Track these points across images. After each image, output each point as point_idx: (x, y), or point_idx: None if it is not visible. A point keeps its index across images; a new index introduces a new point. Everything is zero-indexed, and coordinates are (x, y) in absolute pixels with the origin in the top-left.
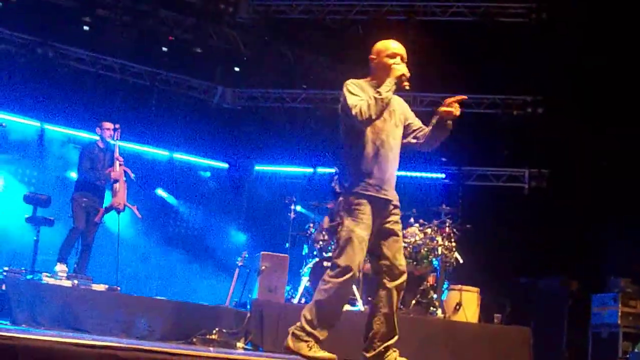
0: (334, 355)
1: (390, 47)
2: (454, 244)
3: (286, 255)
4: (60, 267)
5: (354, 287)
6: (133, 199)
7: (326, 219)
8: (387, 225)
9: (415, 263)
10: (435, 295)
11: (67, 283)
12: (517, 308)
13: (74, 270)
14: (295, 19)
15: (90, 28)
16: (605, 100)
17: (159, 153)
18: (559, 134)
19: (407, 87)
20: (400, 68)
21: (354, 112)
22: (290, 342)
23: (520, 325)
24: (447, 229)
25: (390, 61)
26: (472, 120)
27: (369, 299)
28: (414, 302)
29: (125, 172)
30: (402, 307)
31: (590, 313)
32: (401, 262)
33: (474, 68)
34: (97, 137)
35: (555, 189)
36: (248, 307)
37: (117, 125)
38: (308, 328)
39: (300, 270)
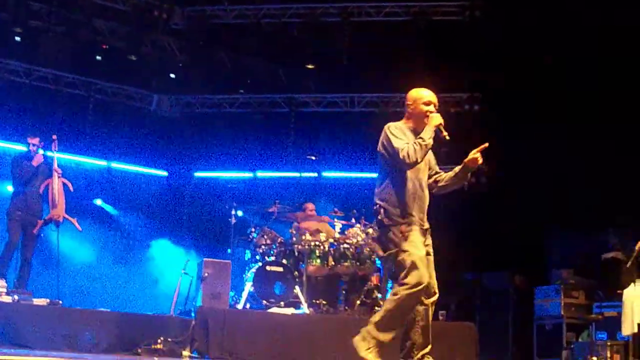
0: None
1: (425, 96)
2: None
3: (228, 261)
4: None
5: (299, 290)
6: (72, 210)
7: (378, 247)
8: (427, 248)
9: (358, 263)
10: (379, 295)
11: (7, 299)
12: (463, 304)
13: (14, 285)
14: (230, 24)
15: (22, 39)
16: (544, 97)
17: (97, 163)
18: (498, 130)
19: (447, 137)
20: (438, 117)
21: (401, 155)
22: (357, 337)
23: (466, 320)
24: None
25: (426, 108)
26: None
27: (314, 301)
28: (358, 302)
29: (64, 184)
30: (346, 308)
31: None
32: (435, 281)
33: (409, 67)
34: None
35: (498, 185)
36: (192, 314)
37: (54, 137)
38: (374, 331)
39: (244, 276)
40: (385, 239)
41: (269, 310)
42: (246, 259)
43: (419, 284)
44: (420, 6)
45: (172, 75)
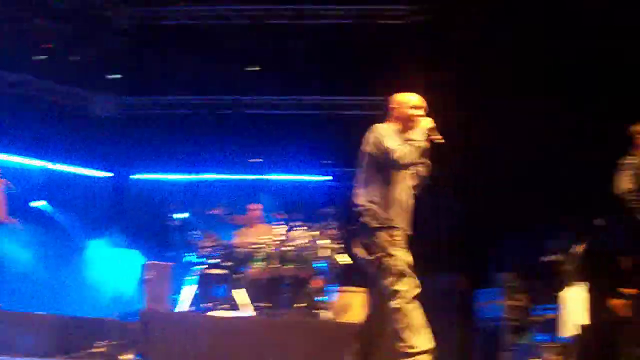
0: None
1: (411, 100)
2: (339, 245)
3: (170, 263)
4: None
5: (245, 293)
6: (12, 212)
7: (361, 251)
8: None
9: (300, 266)
10: (322, 298)
11: None
12: None
13: None
14: (175, 25)
15: None
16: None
17: (38, 164)
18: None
19: (442, 141)
20: (428, 120)
21: (395, 156)
22: None
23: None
24: (332, 231)
25: (411, 112)
26: (356, 122)
27: (257, 304)
28: (301, 305)
29: (6, 185)
30: (289, 310)
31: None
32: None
33: (356, 69)
34: None
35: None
36: (135, 317)
37: None
38: (412, 351)
39: (186, 279)
40: (370, 243)
41: (212, 313)
42: (189, 261)
43: (411, 290)
44: (366, 10)
45: (116, 76)
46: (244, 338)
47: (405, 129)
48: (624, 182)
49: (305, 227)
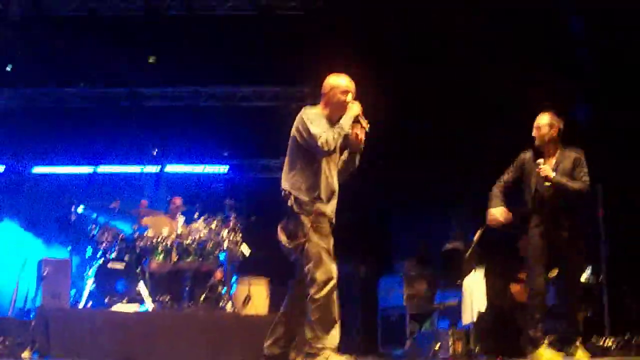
0: (352, 357)
1: (343, 85)
2: (239, 237)
3: (68, 259)
4: None
5: (142, 287)
6: None
7: (283, 236)
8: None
9: (201, 259)
10: (224, 290)
11: None
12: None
13: None
14: (70, 15)
15: None
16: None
17: None
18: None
19: (367, 127)
20: (357, 107)
21: (319, 143)
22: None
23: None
24: (232, 223)
25: (344, 98)
26: (254, 113)
27: (158, 298)
28: (202, 298)
29: None
30: (191, 303)
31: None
32: None
33: (256, 60)
34: None
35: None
36: (32, 315)
37: None
38: (319, 345)
39: (85, 274)
40: (293, 228)
41: (112, 308)
42: (87, 256)
43: (329, 279)
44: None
45: (9, 68)
46: (144, 332)
47: (336, 114)
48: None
49: (204, 219)
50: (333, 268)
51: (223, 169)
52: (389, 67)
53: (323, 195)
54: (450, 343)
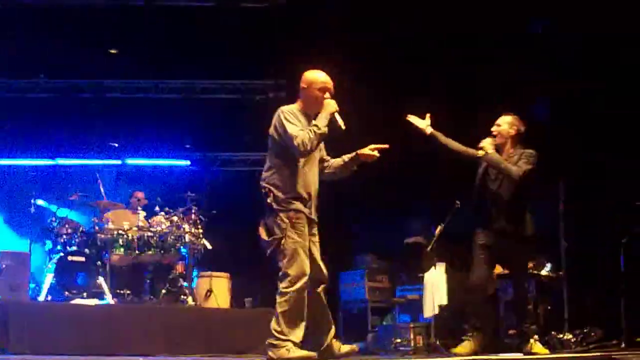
0: (313, 353)
1: (320, 80)
2: (201, 230)
3: (27, 252)
4: None
5: (103, 281)
6: None
7: (262, 231)
8: (312, 239)
9: (162, 252)
10: (185, 284)
11: None
12: (269, 291)
13: None
14: (30, 4)
15: None
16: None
17: None
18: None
19: (343, 127)
20: (333, 104)
21: (295, 143)
22: (270, 353)
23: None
24: (193, 216)
25: (321, 94)
26: (216, 105)
27: (118, 291)
28: (163, 291)
29: None
30: (152, 297)
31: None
32: (325, 269)
33: (217, 53)
34: None
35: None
36: None
37: None
38: (282, 337)
39: (44, 267)
40: (271, 224)
41: (72, 302)
42: (47, 249)
43: (302, 274)
44: None
45: None
46: (105, 326)
47: (313, 109)
48: None
49: (166, 212)
50: (306, 265)
51: (184, 162)
52: (351, 63)
53: (301, 193)
54: (411, 336)
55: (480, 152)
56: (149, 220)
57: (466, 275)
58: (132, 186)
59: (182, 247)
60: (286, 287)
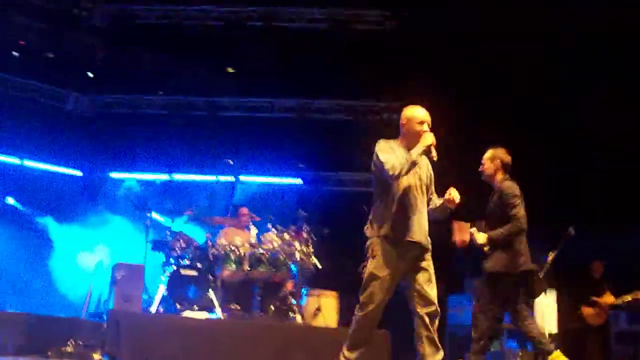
0: None
1: (419, 115)
2: (311, 249)
3: (142, 264)
4: None
5: (213, 295)
6: None
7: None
8: (419, 263)
9: (273, 269)
10: (294, 301)
11: None
12: None
13: None
14: (151, 24)
15: None
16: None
17: (10, 161)
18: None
19: (435, 158)
20: (430, 137)
21: (386, 167)
22: None
23: (380, 328)
24: (304, 234)
25: (419, 128)
26: (329, 125)
27: (228, 306)
28: (272, 308)
29: None
30: (261, 313)
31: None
32: (433, 293)
33: (332, 74)
34: None
35: None
36: (104, 317)
37: None
38: (346, 352)
39: (157, 279)
40: (365, 251)
41: (182, 314)
42: (160, 262)
43: (368, 304)
44: (342, 15)
45: (90, 75)
46: (213, 340)
47: (413, 144)
48: None
49: (277, 230)
50: (377, 296)
51: (297, 180)
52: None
53: (393, 225)
54: None
55: (486, 248)
56: (261, 237)
57: (578, 304)
58: (244, 203)
59: (292, 264)
60: (357, 310)
